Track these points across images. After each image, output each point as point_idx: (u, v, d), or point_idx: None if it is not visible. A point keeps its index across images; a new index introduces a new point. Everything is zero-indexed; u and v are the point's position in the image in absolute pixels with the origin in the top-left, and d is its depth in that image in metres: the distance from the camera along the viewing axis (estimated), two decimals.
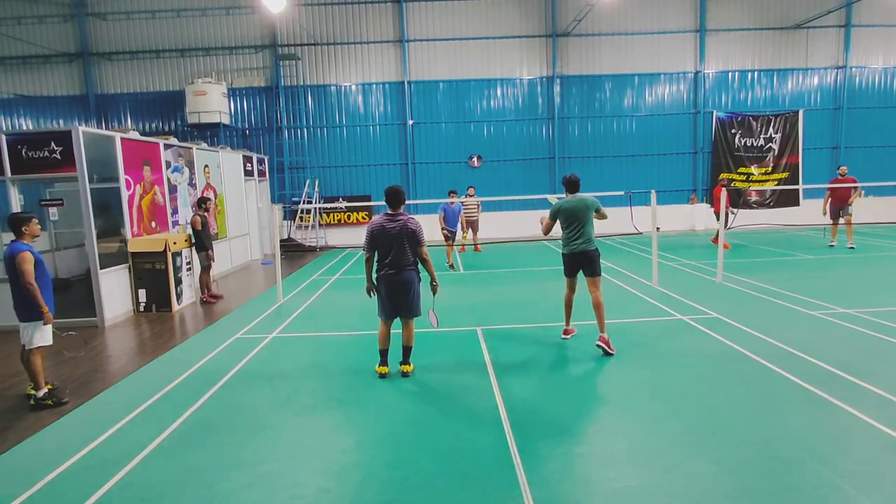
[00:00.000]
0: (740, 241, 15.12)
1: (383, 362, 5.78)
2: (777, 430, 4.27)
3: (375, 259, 5.66)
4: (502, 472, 3.82)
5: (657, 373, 5.59)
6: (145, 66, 18.28)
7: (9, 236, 5.48)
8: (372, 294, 5.77)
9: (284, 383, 5.69)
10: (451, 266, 12.42)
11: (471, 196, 14.10)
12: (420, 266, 5.73)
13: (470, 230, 14.65)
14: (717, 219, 14.17)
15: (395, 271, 5.55)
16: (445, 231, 12.53)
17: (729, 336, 6.64)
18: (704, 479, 3.65)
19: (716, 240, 14.24)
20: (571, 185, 6.59)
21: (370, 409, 4.96)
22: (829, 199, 13.40)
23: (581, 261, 6.50)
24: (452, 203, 12.60)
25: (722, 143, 18.89)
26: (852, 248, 12.98)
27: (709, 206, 18.69)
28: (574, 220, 6.46)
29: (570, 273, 6.67)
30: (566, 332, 6.94)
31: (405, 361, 5.82)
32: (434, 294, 5.82)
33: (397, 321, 5.85)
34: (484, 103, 18.76)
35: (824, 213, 13.54)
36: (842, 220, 13.31)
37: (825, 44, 18.93)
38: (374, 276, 5.70)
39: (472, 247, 15.13)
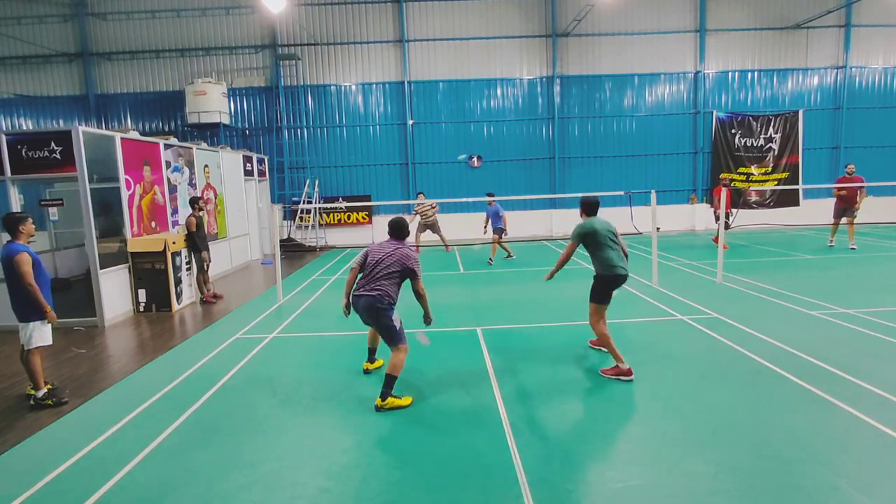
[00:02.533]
0: (740, 242, 15.11)
1: (369, 359, 5.95)
2: (777, 430, 4.27)
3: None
4: (502, 472, 3.82)
5: (657, 373, 5.59)
6: (145, 66, 18.28)
7: (6, 237, 5.47)
8: (347, 313, 5.31)
9: (284, 383, 5.69)
10: (508, 255, 13.64)
11: (421, 202, 14.70)
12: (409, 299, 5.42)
13: (429, 231, 14.99)
14: (717, 219, 14.22)
15: (364, 296, 5.10)
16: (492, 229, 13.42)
17: (729, 336, 6.64)
18: (704, 479, 3.65)
19: (716, 239, 14.27)
20: (594, 208, 5.84)
21: (370, 409, 4.95)
22: (836, 199, 13.32)
23: (620, 283, 5.75)
24: (491, 204, 13.24)
25: (722, 143, 18.90)
26: (853, 248, 12.96)
27: (708, 205, 18.73)
28: (612, 240, 5.72)
29: (608, 300, 5.77)
30: (627, 371, 5.53)
31: (382, 393, 4.96)
32: (427, 325, 5.56)
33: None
34: (484, 103, 18.76)
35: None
36: (844, 220, 13.28)
37: (825, 44, 18.94)
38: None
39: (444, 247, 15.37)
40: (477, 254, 14.82)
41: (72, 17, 17.88)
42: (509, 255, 13.67)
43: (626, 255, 5.80)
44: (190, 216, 9.98)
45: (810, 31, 18.82)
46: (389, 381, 4.97)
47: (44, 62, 18.09)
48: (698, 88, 18.87)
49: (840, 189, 13.07)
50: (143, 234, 9.72)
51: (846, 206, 13.18)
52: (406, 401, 5.03)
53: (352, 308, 5.30)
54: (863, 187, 13.01)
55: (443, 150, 18.79)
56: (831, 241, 13.67)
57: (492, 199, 13.03)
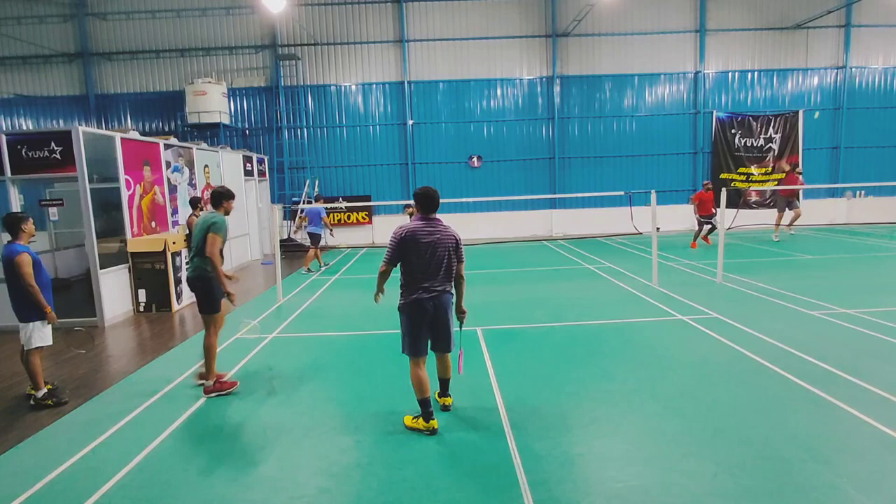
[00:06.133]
0: (721, 242, 15.11)
1: (430, 412, 4.42)
2: (777, 430, 4.27)
3: (402, 277, 4.51)
4: (502, 471, 3.82)
5: (657, 372, 5.59)
6: (145, 66, 18.29)
7: (6, 237, 5.46)
8: (380, 298, 4.68)
9: (284, 383, 5.69)
10: (309, 270, 12.96)
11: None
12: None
13: None
14: (703, 223, 14.29)
15: (435, 294, 4.41)
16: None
17: (729, 336, 6.64)
18: (704, 479, 3.65)
19: (700, 240, 14.32)
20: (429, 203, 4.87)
21: (370, 410, 4.95)
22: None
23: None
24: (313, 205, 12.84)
25: (722, 143, 18.91)
26: (777, 240, 14.15)
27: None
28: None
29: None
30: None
31: (446, 393, 4.92)
32: (462, 323, 4.88)
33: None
34: (484, 103, 18.77)
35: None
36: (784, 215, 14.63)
37: (825, 44, 18.94)
38: (399, 302, 4.51)
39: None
40: (479, 254, 14.82)
41: (72, 17, 17.88)
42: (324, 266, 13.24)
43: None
44: (191, 216, 9.99)
45: (810, 31, 18.82)
46: (447, 383, 4.91)
47: (44, 62, 18.09)
48: (698, 88, 18.87)
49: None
50: (143, 235, 9.72)
51: (786, 198, 14.51)
52: None
53: (403, 315, 4.47)
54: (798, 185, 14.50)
55: (443, 151, 18.79)
56: (789, 231, 14.46)
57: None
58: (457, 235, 4.54)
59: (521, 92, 18.80)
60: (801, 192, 14.80)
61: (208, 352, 5.51)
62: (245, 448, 4.31)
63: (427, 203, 4.45)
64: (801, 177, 14.96)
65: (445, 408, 4.85)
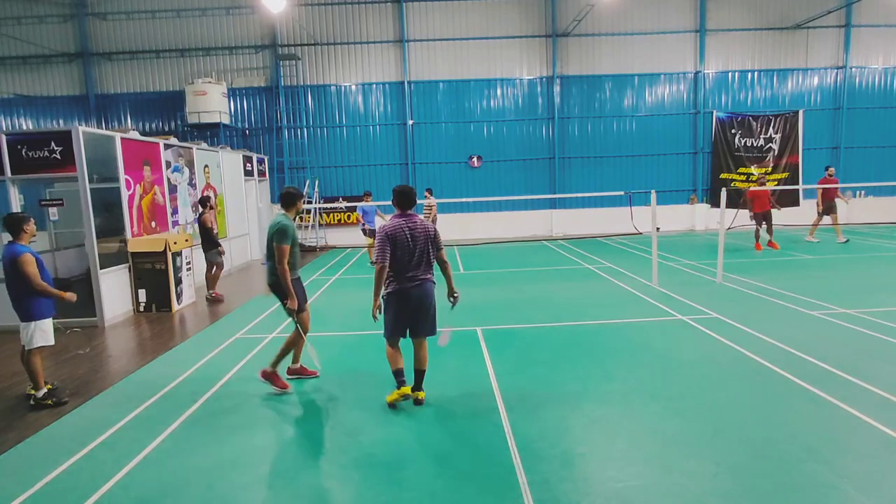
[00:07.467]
0: (736, 241, 15.12)
1: (402, 381, 4.96)
2: (777, 430, 4.27)
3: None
4: (502, 472, 3.82)
5: (657, 373, 5.59)
6: (145, 66, 18.29)
7: (6, 237, 5.46)
8: (378, 316, 4.86)
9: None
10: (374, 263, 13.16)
11: (427, 198, 14.76)
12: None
13: None
14: (760, 223, 13.87)
15: (419, 283, 4.81)
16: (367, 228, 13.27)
17: (729, 336, 6.64)
18: (704, 479, 3.65)
19: (772, 243, 14.08)
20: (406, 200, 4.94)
21: (370, 409, 4.96)
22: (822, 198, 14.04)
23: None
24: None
25: (722, 143, 18.89)
26: (813, 241, 14.12)
27: (709, 206, 18.80)
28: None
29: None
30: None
31: (420, 387, 5.05)
32: (453, 306, 5.00)
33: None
34: (484, 103, 18.77)
35: (819, 212, 14.18)
36: (828, 219, 14.06)
37: (825, 44, 18.95)
38: (386, 291, 4.85)
39: None
40: (479, 254, 14.82)
41: (72, 17, 17.89)
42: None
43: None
44: (202, 214, 10.04)
45: (810, 31, 18.83)
46: (423, 374, 5.06)
47: (44, 62, 18.10)
48: (698, 88, 18.88)
49: (824, 191, 13.86)
50: (143, 235, 9.73)
51: (829, 202, 13.94)
52: None
53: (389, 304, 4.81)
54: (838, 187, 13.99)
55: (443, 151, 18.80)
56: (814, 237, 14.39)
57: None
58: (433, 227, 4.93)
59: (520, 92, 18.81)
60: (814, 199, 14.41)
61: (287, 345, 5.57)
62: (244, 448, 4.31)
63: (406, 200, 4.87)
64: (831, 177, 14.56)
65: (418, 402, 5.00)
